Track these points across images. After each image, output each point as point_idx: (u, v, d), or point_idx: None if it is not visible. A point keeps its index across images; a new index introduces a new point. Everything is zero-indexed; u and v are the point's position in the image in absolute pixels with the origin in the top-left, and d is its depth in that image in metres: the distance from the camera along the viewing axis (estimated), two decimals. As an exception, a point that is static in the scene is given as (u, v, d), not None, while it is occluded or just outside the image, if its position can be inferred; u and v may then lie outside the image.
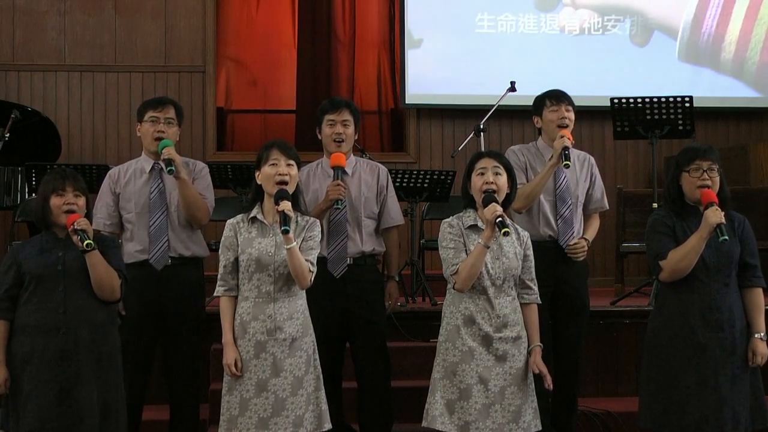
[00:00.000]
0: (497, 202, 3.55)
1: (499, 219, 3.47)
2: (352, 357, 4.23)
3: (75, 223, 3.49)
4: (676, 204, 3.74)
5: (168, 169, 3.99)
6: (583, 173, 4.40)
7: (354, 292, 4.13)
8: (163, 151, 4.02)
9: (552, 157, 4.21)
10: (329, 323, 4.09)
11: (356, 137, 4.30)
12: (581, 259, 4.29)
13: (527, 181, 4.27)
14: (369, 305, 4.16)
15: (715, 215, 3.52)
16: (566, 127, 4.27)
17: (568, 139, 4.20)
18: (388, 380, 4.24)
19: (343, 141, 4.17)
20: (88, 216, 3.69)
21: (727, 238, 3.50)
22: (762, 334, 3.64)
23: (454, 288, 3.63)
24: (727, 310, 3.61)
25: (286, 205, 3.48)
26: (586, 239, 4.33)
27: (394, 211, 4.31)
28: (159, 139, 4.11)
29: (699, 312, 3.61)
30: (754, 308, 3.69)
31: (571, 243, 4.25)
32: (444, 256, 3.66)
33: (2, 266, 3.66)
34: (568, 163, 4.13)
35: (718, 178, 3.67)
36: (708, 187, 3.64)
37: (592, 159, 4.48)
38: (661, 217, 3.76)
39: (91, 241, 3.48)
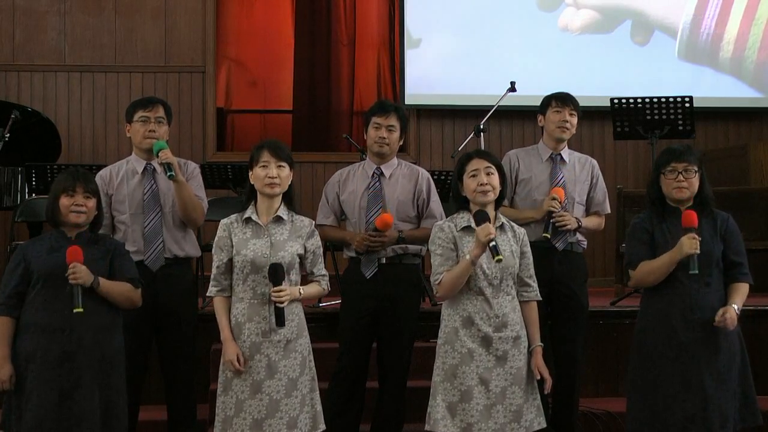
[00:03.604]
0: (489, 220, 3.53)
1: (493, 244, 3.47)
2: (378, 357, 4.23)
3: (70, 276, 3.49)
4: (657, 206, 3.76)
5: (168, 174, 3.99)
6: (582, 174, 4.41)
7: (385, 292, 4.12)
8: (159, 155, 4.02)
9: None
10: (359, 327, 4.13)
11: (401, 143, 4.32)
12: (568, 227, 4.23)
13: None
14: (399, 305, 4.14)
15: (690, 245, 3.55)
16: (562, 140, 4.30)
17: (559, 201, 4.20)
18: (406, 382, 4.23)
19: (387, 145, 4.20)
20: (99, 218, 3.72)
21: (696, 272, 3.54)
22: (737, 306, 3.63)
23: (435, 296, 3.63)
24: (709, 309, 3.62)
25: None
26: (577, 219, 4.30)
27: (438, 215, 4.27)
28: (151, 138, 4.12)
29: (680, 312, 3.63)
30: (736, 292, 3.68)
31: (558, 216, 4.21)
32: (432, 262, 3.68)
33: (10, 263, 3.69)
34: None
35: (695, 179, 3.70)
36: (684, 188, 3.67)
37: (595, 162, 4.50)
38: (641, 221, 3.80)
39: (80, 309, 3.49)
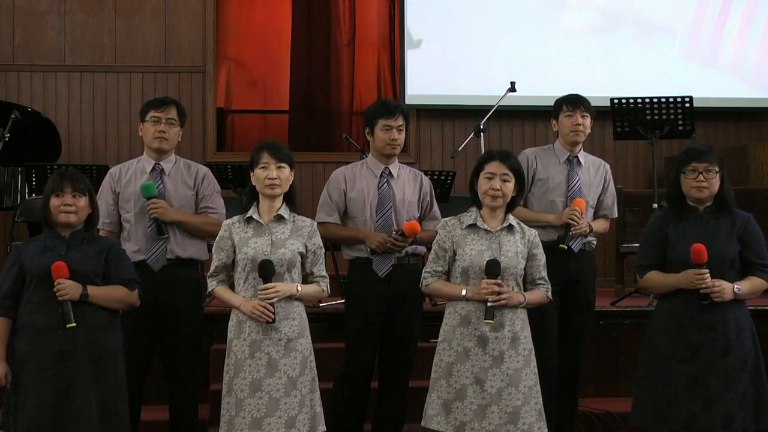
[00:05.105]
0: (500, 273, 3.54)
1: (490, 305, 3.50)
2: (381, 357, 4.23)
3: (57, 293, 3.49)
4: (676, 205, 3.76)
5: (160, 237, 4.03)
6: (597, 178, 4.45)
7: (395, 293, 4.12)
8: (150, 213, 4.03)
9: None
10: (368, 330, 4.12)
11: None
12: (581, 230, 4.24)
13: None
14: (408, 305, 4.14)
15: (696, 281, 3.56)
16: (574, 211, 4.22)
17: (580, 213, 4.20)
18: (408, 382, 4.24)
19: (398, 146, 4.22)
20: (93, 215, 3.72)
21: (707, 303, 3.56)
22: (738, 287, 3.62)
23: (421, 287, 3.75)
24: (720, 311, 3.61)
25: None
26: (589, 224, 4.32)
27: (440, 216, 4.26)
28: (161, 138, 4.12)
29: (689, 313, 3.63)
30: (747, 279, 3.66)
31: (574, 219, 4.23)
32: (429, 255, 3.73)
33: (6, 264, 3.69)
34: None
35: (716, 180, 3.69)
36: (704, 188, 3.66)
37: (608, 166, 4.53)
38: (657, 220, 3.81)
39: (74, 324, 3.49)
